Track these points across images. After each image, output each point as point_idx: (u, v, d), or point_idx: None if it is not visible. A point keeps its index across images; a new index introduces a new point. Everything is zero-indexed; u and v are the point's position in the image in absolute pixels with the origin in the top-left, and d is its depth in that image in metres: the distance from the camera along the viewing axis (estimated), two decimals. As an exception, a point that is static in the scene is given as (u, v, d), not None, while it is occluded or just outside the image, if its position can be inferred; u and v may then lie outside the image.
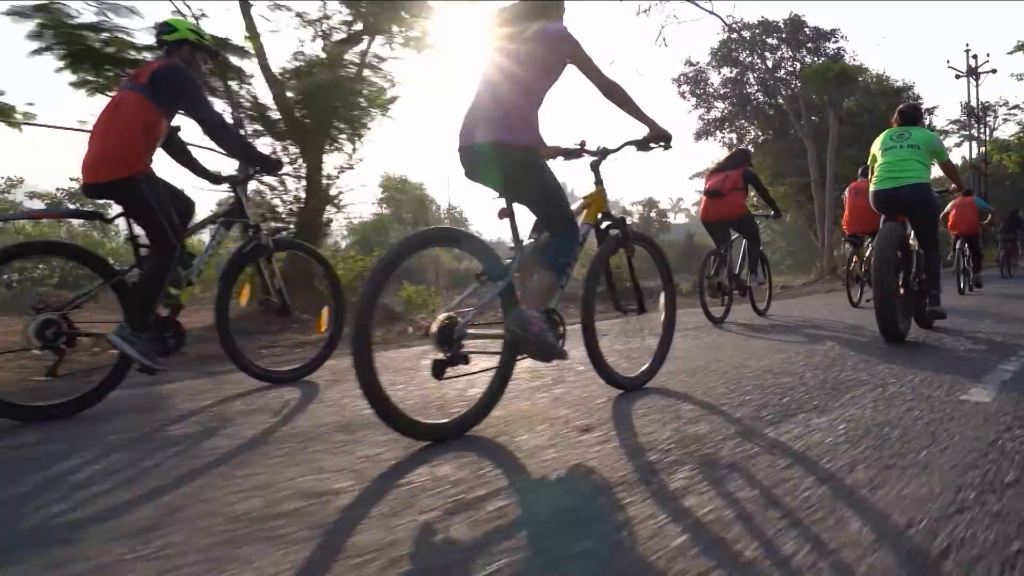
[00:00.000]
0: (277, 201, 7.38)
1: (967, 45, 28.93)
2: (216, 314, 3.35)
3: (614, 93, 2.44)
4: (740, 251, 6.15)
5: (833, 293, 10.19)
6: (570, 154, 2.72)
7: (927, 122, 24.06)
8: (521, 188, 2.39)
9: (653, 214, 37.90)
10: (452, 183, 42.18)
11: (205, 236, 3.52)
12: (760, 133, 23.08)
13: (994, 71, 28.97)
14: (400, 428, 2.10)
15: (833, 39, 21.35)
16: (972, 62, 28.81)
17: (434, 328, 2.14)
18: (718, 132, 23.37)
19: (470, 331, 2.22)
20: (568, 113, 19.12)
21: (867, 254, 6.84)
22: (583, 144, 2.76)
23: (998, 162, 38.27)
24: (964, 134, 35.56)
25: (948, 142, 30.11)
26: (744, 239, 6.03)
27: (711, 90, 22.80)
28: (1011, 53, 31.91)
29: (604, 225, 2.86)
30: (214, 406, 2.96)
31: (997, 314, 6.43)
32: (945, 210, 9.73)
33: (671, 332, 3.16)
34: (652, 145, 2.63)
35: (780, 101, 21.44)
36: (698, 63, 22.38)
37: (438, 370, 2.14)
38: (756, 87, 22.11)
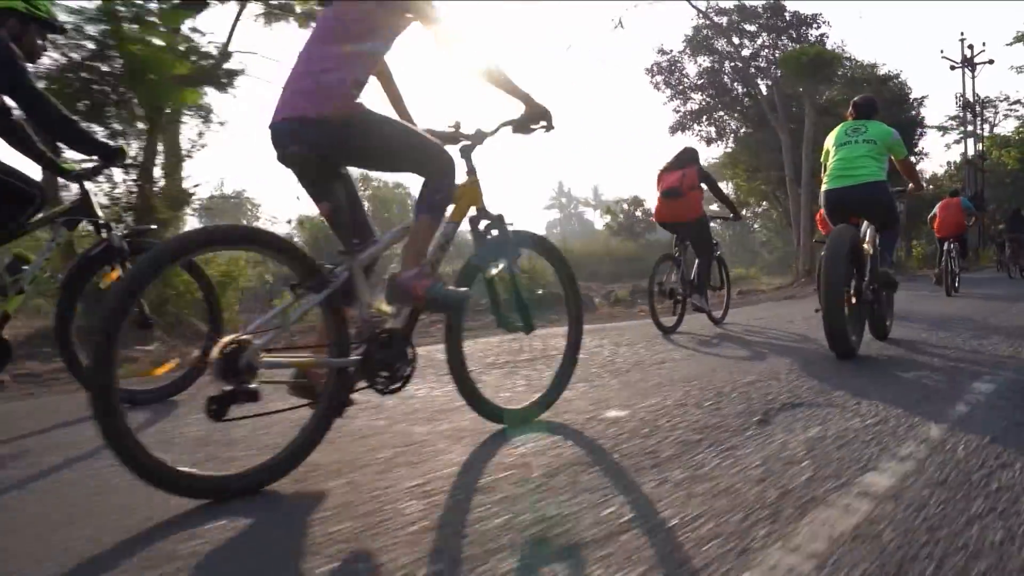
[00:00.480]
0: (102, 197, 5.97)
1: (962, 34, 27.30)
2: (56, 325, 2.97)
3: (483, 67, 2.11)
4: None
5: (807, 300, 9.23)
6: (441, 139, 2.25)
7: (916, 114, 22.67)
8: (345, 155, 2.04)
9: (639, 213, 36.46)
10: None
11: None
12: (740, 126, 21.69)
13: (991, 61, 27.58)
14: (163, 484, 1.61)
15: (815, 25, 19.99)
16: (968, 52, 27.39)
17: (215, 354, 1.68)
18: (695, 125, 21.97)
19: (267, 358, 1.76)
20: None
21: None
22: (457, 126, 2.35)
23: (996, 158, 36.94)
24: (968, 131, 34.25)
25: (948, 139, 28.68)
26: (695, 249, 5.54)
27: (687, 81, 21.39)
28: (1010, 44, 30.72)
29: (483, 225, 2.33)
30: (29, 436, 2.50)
31: (971, 320, 5.99)
32: (932, 212, 9.81)
33: (573, 355, 2.63)
34: (533, 127, 2.25)
35: (761, 91, 20.01)
36: (671, 51, 20.96)
37: (216, 409, 1.67)
38: (735, 77, 20.67)
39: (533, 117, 2.21)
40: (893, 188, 4.32)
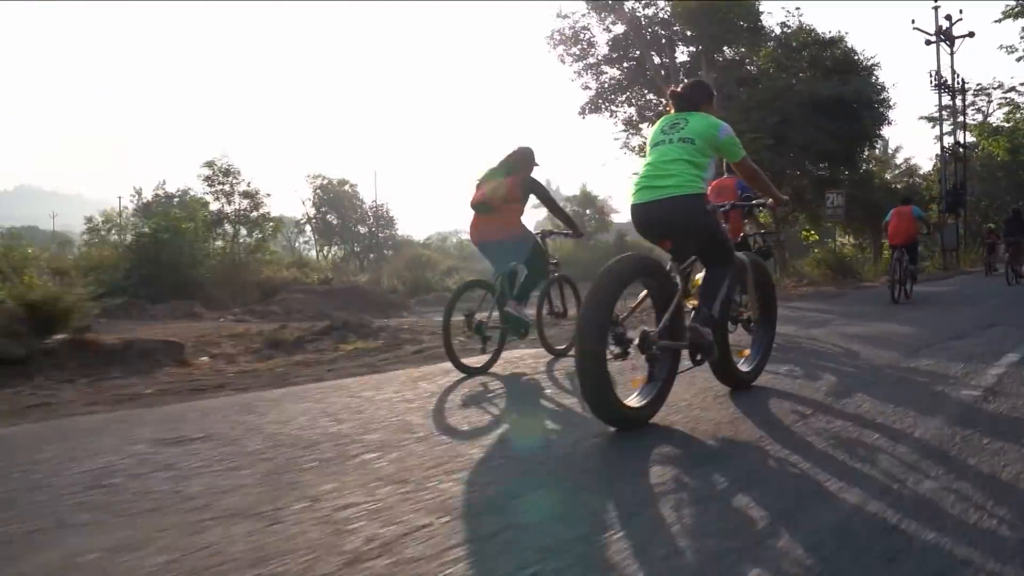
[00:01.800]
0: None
1: (936, 3, 23.66)
2: None
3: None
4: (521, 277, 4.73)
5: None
6: None
7: (885, 97, 19.11)
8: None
9: (588, 211, 33.11)
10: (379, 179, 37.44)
11: None
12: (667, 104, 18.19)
13: (971, 34, 23.91)
14: None
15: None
16: (944, 23, 23.78)
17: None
18: (611, 105, 18.53)
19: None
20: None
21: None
22: None
23: (984, 149, 33.29)
24: (947, 115, 30.62)
25: (936, 131, 24.83)
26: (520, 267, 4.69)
27: (597, 52, 17.93)
28: (999, 21, 27.19)
29: None
30: None
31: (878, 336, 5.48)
32: (885, 219, 9.75)
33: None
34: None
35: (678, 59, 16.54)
36: (573, 15, 17.50)
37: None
38: (652, 44, 17.19)
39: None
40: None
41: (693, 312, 3.08)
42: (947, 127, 26.04)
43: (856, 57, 16.80)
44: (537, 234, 4.92)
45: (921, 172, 31.39)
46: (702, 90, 3.32)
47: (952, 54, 24.56)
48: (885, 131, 18.34)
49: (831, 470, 2.12)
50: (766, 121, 14.07)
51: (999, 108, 32.35)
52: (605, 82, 18.46)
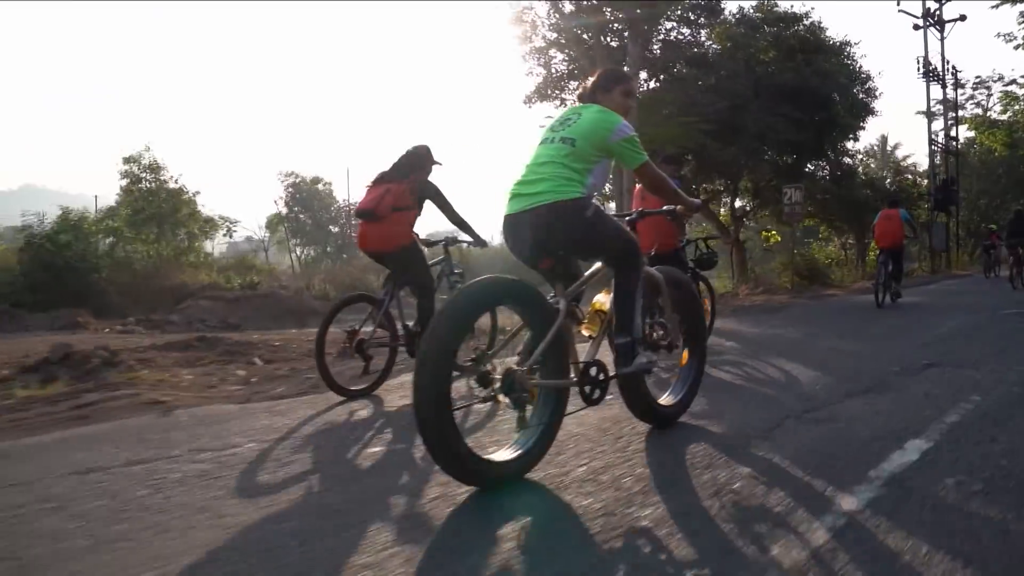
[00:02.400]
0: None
1: (923, -19, 21.90)
2: None
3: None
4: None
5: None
6: None
7: (870, 86, 17.26)
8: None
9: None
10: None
11: None
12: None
13: (962, 17, 22.07)
14: None
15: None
16: (933, 4, 21.94)
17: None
18: (560, 93, 16.76)
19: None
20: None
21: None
22: None
23: (980, 143, 31.43)
24: (973, 118, 28.61)
25: (935, 125, 22.77)
26: (410, 287, 4.33)
27: (544, 34, 16.16)
28: (996, 7, 25.35)
29: None
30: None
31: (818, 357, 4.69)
32: (875, 220, 9.58)
33: None
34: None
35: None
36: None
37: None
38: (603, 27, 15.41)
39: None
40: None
41: (593, 343, 2.69)
42: (944, 120, 24.19)
43: (824, 36, 14.94)
44: (441, 241, 4.65)
45: (913, 168, 29.47)
46: (604, 78, 2.87)
47: (942, 40, 22.71)
48: (883, 127, 16.49)
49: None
50: (715, 106, 12.30)
51: (999, 102, 30.40)
52: (555, 69, 16.69)
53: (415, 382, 2.11)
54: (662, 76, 14.00)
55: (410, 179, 4.19)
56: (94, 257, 16.21)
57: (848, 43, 15.40)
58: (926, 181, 23.36)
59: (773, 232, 18.10)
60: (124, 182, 19.18)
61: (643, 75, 14.75)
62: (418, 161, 4.30)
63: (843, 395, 3.50)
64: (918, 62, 21.89)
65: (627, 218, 3.30)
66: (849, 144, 19.51)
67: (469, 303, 2.28)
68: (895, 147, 39.88)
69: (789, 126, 13.04)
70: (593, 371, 2.55)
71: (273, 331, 12.02)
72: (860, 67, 17.10)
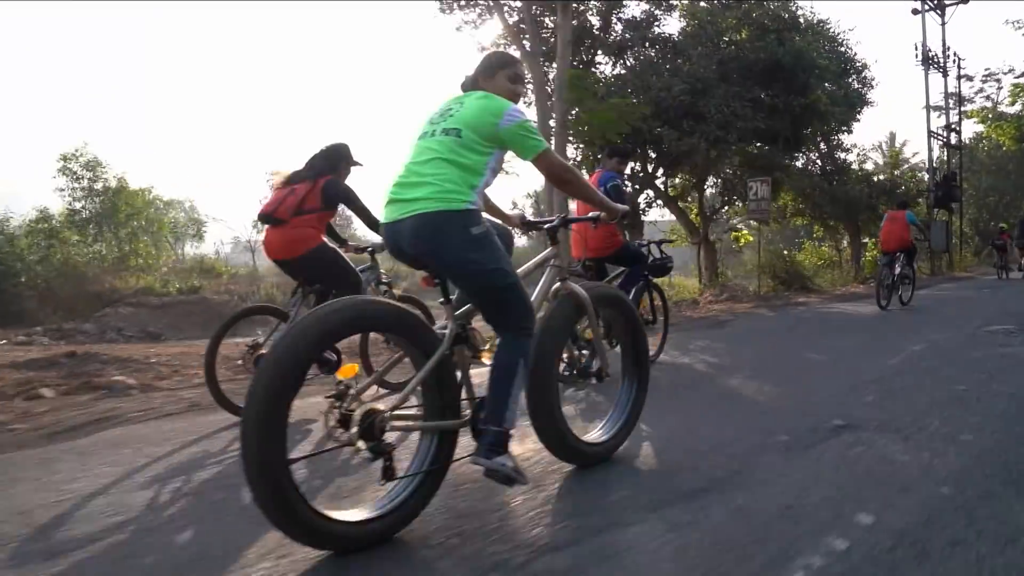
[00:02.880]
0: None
1: (924, -37, 20.28)
2: None
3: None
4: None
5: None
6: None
7: (866, 76, 15.74)
8: None
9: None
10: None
11: None
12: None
13: (964, 1, 20.48)
14: None
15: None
16: (932, -13, 20.34)
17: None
18: None
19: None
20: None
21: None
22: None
23: (988, 136, 29.73)
24: (979, 111, 26.83)
25: (943, 119, 21.01)
26: (320, 297, 3.94)
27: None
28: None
29: None
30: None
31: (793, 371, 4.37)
32: (882, 223, 9.34)
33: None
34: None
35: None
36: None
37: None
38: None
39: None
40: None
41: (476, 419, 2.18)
42: (952, 113, 22.51)
43: (799, 12, 13.42)
44: (367, 248, 4.46)
45: (921, 164, 27.80)
46: (486, 63, 2.49)
47: (943, 24, 21.11)
48: (891, 125, 14.92)
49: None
50: (673, 90, 10.87)
51: (1009, 95, 28.61)
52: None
53: (241, 439, 1.77)
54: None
55: (317, 180, 3.93)
56: (14, 260, 15.03)
57: (825, 21, 13.89)
58: (926, 177, 21.75)
59: (744, 231, 16.57)
60: (62, 180, 17.98)
61: (600, 57, 13.29)
62: (333, 160, 4.06)
63: (646, 506, 2.11)
64: (916, 48, 20.31)
65: (546, 225, 2.72)
66: (843, 137, 18.04)
67: (311, 332, 1.84)
68: (903, 144, 38.20)
69: (758, 113, 11.58)
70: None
71: (199, 341, 10.86)
72: (855, 54, 15.66)
